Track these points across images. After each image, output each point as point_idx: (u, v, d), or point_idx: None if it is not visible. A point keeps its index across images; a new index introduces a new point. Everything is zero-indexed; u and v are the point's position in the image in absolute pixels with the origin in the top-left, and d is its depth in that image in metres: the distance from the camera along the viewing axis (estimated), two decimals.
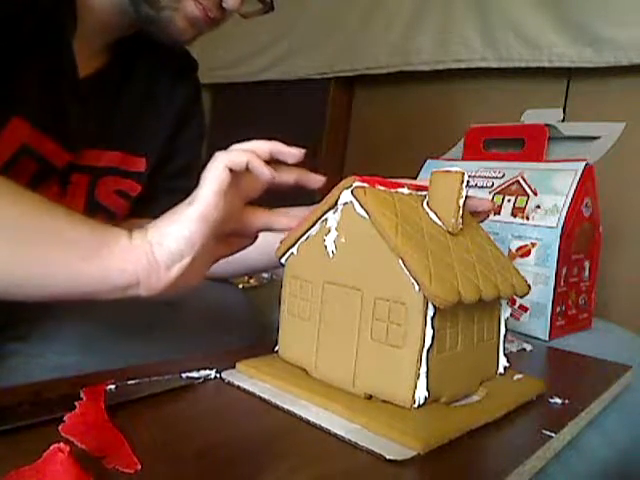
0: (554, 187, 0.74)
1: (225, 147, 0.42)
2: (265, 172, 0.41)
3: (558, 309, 0.72)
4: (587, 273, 0.79)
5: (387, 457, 0.31)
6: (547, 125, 0.83)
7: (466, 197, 0.40)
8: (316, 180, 0.45)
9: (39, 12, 0.50)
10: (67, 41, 0.53)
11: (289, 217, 0.46)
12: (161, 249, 0.39)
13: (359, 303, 0.38)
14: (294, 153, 0.43)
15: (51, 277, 0.38)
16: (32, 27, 0.50)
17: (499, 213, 0.76)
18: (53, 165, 0.56)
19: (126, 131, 0.63)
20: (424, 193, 0.42)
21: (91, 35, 0.56)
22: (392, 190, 0.40)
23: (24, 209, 0.38)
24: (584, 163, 0.74)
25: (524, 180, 0.77)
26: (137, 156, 0.65)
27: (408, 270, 0.35)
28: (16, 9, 0.48)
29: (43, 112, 0.53)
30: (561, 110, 1.22)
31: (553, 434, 0.36)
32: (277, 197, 0.46)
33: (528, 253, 0.73)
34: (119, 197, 0.64)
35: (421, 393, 0.36)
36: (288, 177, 0.44)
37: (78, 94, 0.56)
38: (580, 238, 0.75)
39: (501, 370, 0.44)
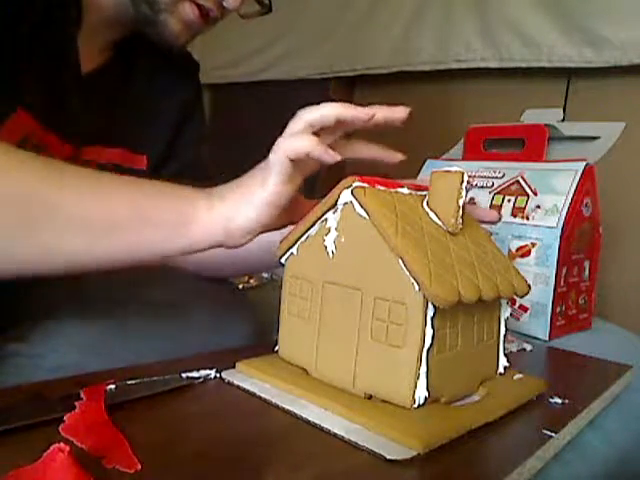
0: (554, 187, 0.74)
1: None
2: (327, 158, 0.40)
3: (558, 309, 0.72)
4: (587, 273, 0.79)
5: (387, 457, 0.31)
6: (547, 125, 0.83)
7: (470, 199, 0.39)
8: (394, 157, 0.45)
9: (44, 6, 0.50)
10: (71, 36, 0.54)
11: None
12: (235, 224, 0.42)
13: (359, 303, 0.38)
14: (362, 118, 0.41)
15: (135, 258, 0.42)
16: (37, 21, 0.50)
17: (499, 213, 0.76)
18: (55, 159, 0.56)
19: (127, 129, 0.64)
20: (424, 193, 0.42)
21: (95, 32, 0.57)
22: (392, 190, 0.40)
23: (100, 195, 0.41)
24: (584, 163, 0.74)
25: (524, 180, 0.77)
26: (138, 154, 0.65)
27: (408, 270, 0.35)
28: (21, 3, 0.48)
29: (46, 105, 0.53)
30: (561, 110, 1.22)
31: (553, 434, 0.36)
32: None
33: (528, 253, 0.73)
34: None
35: (421, 393, 0.36)
36: (364, 153, 0.44)
37: (81, 89, 0.56)
38: (580, 238, 0.75)
39: (501, 370, 0.44)
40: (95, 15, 0.56)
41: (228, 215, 0.42)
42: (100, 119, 0.60)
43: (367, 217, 0.38)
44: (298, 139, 0.40)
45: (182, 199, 0.43)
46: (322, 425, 0.35)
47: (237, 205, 0.42)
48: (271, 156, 0.41)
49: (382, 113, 0.42)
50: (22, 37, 0.49)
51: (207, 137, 0.76)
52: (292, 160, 0.40)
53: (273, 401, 0.38)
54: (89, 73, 0.58)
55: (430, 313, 0.35)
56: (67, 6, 0.53)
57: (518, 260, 0.73)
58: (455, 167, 0.40)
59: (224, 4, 0.56)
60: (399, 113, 0.43)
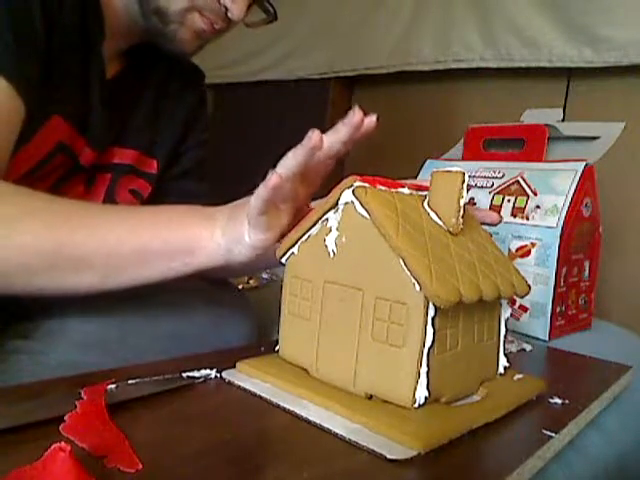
0: (554, 187, 0.74)
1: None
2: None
3: (558, 309, 0.72)
4: (587, 273, 0.79)
5: (388, 456, 0.31)
6: (547, 125, 0.83)
7: (469, 199, 0.40)
8: (368, 122, 0.42)
9: (74, 17, 0.54)
10: (98, 47, 0.57)
11: None
12: (233, 255, 0.46)
13: (360, 303, 0.38)
14: (314, 145, 0.41)
15: (148, 282, 0.47)
16: (69, 34, 0.53)
17: (499, 213, 0.76)
18: (81, 164, 0.60)
19: (141, 133, 0.67)
20: (425, 193, 0.42)
21: (110, 40, 0.59)
22: (393, 190, 0.40)
23: (112, 236, 0.45)
24: (584, 163, 0.74)
25: (524, 180, 0.77)
26: (150, 157, 0.69)
27: (409, 270, 0.35)
28: (52, 14, 0.51)
29: (77, 109, 0.57)
30: (561, 110, 1.22)
31: (553, 434, 0.37)
32: None
33: (528, 253, 0.73)
34: (132, 196, 0.68)
35: (421, 393, 0.36)
36: (340, 147, 0.43)
37: (104, 94, 0.59)
38: (580, 238, 0.75)
39: (501, 370, 0.44)
40: (111, 24, 0.58)
41: (227, 248, 0.46)
42: (118, 123, 0.63)
43: (368, 217, 0.38)
44: (257, 194, 0.42)
45: (188, 230, 0.47)
46: (322, 425, 0.35)
47: (234, 242, 0.46)
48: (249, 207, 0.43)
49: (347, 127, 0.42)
50: (55, 45, 0.52)
51: (208, 141, 0.79)
52: (264, 212, 0.42)
53: (273, 401, 0.39)
54: (109, 80, 0.61)
55: (431, 313, 0.35)
56: (92, 16, 0.56)
57: (518, 260, 0.73)
58: (456, 167, 0.40)
59: (229, 15, 0.58)
60: (357, 119, 0.42)
